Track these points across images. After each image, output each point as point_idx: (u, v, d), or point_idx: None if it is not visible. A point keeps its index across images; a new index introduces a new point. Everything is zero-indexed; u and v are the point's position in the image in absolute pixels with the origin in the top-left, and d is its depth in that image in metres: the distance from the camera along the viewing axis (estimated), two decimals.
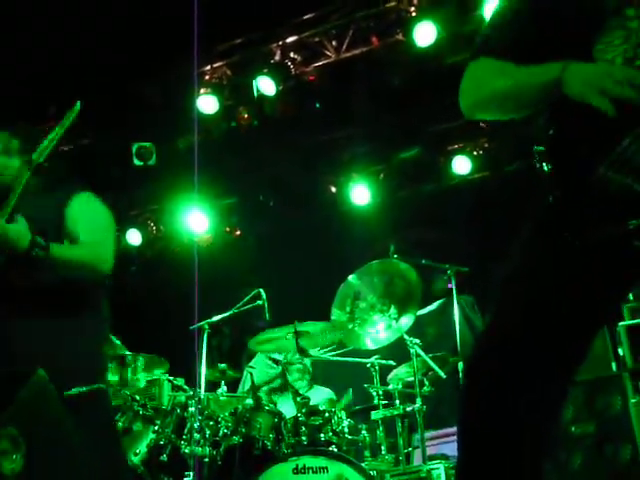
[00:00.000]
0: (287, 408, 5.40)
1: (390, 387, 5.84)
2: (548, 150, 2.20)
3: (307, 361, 6.56)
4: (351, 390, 6.10)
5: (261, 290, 5.99)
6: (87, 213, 3.65)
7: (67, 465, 2.56)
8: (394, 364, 6.02)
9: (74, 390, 3.10)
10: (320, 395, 6.44)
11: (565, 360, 2.17)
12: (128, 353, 5.76)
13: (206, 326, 5.93)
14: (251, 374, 5.81)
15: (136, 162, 8.72)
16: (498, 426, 2.12)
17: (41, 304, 3.42)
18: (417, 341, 5.67)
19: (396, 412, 5.49)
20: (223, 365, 6.01)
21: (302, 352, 5.37)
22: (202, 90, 8.15)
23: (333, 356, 6.23)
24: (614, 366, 5.58)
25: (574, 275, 2.11)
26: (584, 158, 2.06)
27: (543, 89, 2.13)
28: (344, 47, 7.78)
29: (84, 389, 3.17)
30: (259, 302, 5.96)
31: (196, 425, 4.99)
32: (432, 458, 5.51)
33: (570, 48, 2.15)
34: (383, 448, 5.50)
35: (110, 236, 3.69)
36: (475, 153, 8.70)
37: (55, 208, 3.60)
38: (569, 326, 2.14)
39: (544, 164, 2.19)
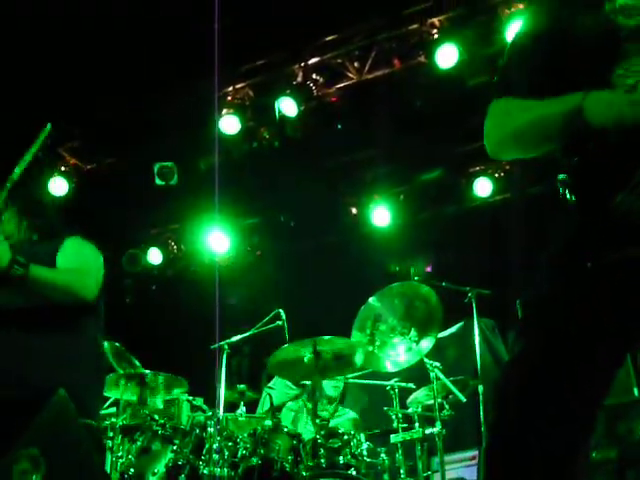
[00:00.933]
0: (307, 429, 5.38)
1: (410, 410, 5.82)
2: (571, 177, 2.20)
3: (340, 387, 6.55)
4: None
5: (281, 310, 5.99)
6: (75, 249, 3.75)
7: None
8: (414, 387, 5.99)
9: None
10: (343, 417, 6.43)
11: (589, 386, 2.15)
12: (148, 372, 5.77)
13: (226, 346, 5.93)
14: (270, 395, 5.80)
15: (158, 182, 8.77)
16: (523, 454, 2.11)
17: (18, 324, 3.48)
18: (437, 364, 5.64)
19: (415, 435, 5.46)
20: (242, 386, 6.01)
21: (321, 373, 5.34)
22: (224, 111, 8.19)
23: (353, 378, 6.21)
24: (636, 392, 5.52)
25: (595, 300, 2.10)
26: (606, 185, 2.07)
27: (564, 119, 2.13)
28: (366, 69, 7.80)
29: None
30: (279, 322, 5.96)
31: (215, 446, 4.98)
32: None
33: (589, 75, 2.17)
34: (402, 471, 5.47)
35: (94, 269, 3.75)
36: (496, 175, 8.69)
37: (49, 253, 3.69)
38: (591, 352, 2.12)
39: (567, 191, 2.20)
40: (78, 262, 3.69)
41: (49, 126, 3.53)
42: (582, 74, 2.19)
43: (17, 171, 3.43)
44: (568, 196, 2.18)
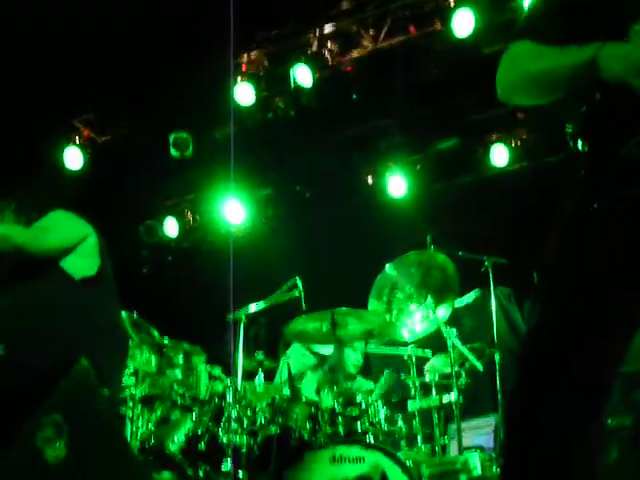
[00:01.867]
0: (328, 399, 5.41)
1: (426, 378, 5.83)
2: (581, 125, 2.22)
3: (359, 364, 6.59)
4: (387, 372, 6.11)
5: (298, 279, 5.99)
6: (50, 216, 3.74)
7: (110, 452, 2.60)
8: (431, 355, 6.01)
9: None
10: (360, 387, 6.46)
11: (599, 362, 2.14)
12: (166, 342, 5.81)
13: (242, 316, 5.94)
14: (288, 364, 5.83)
15: (173, 152, 8.77)
16: (535, 430, 2.13)
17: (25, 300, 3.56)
18: (454, 332, 5.65)
19: (432, 403, 5.49)
20: (260, 355, 6.03)
21: (339, 342, 5.37)
22: (239, 80, 8.16)
23: (370, 347, 6.23)
24: None
25: (604, 246, 2.11)
26: (615, 131, 2.09)
27: (577, 69, 2.13)
28: (381, 37, 7.74)
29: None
30: (296, 292, 5.97)
31: (234, 414, 5.02)
32: (468, 449, 5.50)
33: (606, 29, 2.16)
34: (419, 438, 5.50)
35: (60, 229, 3.74)
36: (513, 144, 8.63)
37: None
38: (600, 322, 2.12)
39: (578, 140, 2.22)
40: (42, 222, 3.71)
41: None
42: (600, 27, 2.18)
43: None
44: (580, 147, 2.19)
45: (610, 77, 2.05)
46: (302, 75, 7.85)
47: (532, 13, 2.37)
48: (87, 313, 3.65)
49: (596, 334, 2.12)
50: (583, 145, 2.18)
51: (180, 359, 6.00)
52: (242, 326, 5.92)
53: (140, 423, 5.28)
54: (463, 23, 7.15)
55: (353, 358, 6.51)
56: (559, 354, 2.12)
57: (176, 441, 5.07)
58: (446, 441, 5.90)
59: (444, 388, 5.80)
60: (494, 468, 5.03)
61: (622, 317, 2.14)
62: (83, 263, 3.73)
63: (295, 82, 7.91)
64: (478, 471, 5.04)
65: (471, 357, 5.69)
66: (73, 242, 3.72)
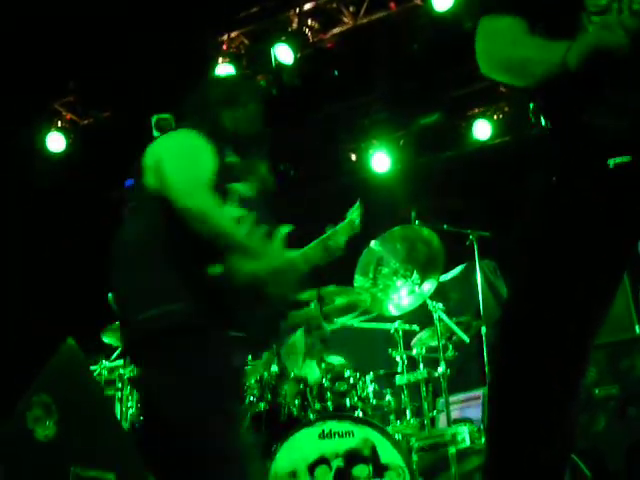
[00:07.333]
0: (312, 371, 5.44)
1: (414, 352, 5.87)
2: (542, 100, 2.29)
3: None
4: None
5: None
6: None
7: (99, 430, 2.61)
8: (417, 329, 6.03)
9: None
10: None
11: (576, 327, 2.18)
12: None
13: None
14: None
15: (155, 134, 8.72)
16: (518, 398, 2.17)
17: None
18: (440, 305, 5.68)
19: (420, 377, 5.52)
20: None
21: (326, 318, 5.39)
22: (219, 60, 8.12)
23: (357, 322, 6.26)
24: (638, 328, 5.57)
25: (567, 220, 2.17)
26: (573, 107, 2.15)
27: (548, 68, 2.17)
28: (362, 13, 7.70)
29: None
30: None
31: None
32: (456, 421, 5.55)
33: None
34: (408, 412, 5.54)
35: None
36: (495, 117, 8.65)
37: None
38: (567, 288, 2.16)
39: (540, 116, 2.29)
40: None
41: None
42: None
43: None
44: (543, 122, 2.23)
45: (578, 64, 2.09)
46: (283, 53, 7.81)
47: None
48: None
49: (568, 300, 2.15)
50: (545, 121, 2.23)
51: None
52: None
53: (130, 404, 5.30)
54: None
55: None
56: (533, 323, 2.16)
57: None
58: (435, 414, 5.95)
59: (432, 361, 5.83)
60: (482, 439, 5.08)
61: (583, 288, 2.17)
62: None
63: (276, 60, 7.88)
64: (467, 443, 5.09)
65: (457, 330, 5.72)
66: None
